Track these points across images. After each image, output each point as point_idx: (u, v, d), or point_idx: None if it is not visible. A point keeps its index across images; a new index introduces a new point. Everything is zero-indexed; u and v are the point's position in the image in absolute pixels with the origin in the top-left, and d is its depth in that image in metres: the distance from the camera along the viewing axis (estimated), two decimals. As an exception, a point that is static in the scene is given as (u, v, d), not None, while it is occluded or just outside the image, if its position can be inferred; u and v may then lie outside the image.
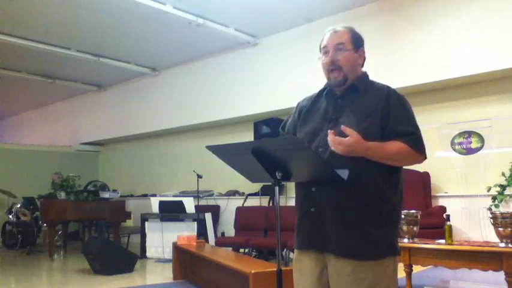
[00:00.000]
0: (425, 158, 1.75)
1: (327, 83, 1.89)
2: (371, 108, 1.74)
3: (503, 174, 5.55)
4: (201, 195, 7.83)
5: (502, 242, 3.45)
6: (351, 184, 1.67)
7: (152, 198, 7.63)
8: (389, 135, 1.70)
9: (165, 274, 5.81)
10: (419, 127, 1.75)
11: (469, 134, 5.49)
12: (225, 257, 4.50)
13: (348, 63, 1.81)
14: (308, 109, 1.92)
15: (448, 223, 3.74)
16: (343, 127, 1.64)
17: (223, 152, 1.75)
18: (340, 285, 1.70)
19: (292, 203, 2.85)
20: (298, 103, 2.01)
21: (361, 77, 1.87)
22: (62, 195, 7.71)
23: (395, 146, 1.68)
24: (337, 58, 1.80)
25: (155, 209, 7.31)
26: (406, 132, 1.70)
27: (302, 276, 1.79)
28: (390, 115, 1.72)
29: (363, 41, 1.88)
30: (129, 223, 8.65)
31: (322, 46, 1.86)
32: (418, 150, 1.71)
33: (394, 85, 1.88)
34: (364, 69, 1.91)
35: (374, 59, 6.00)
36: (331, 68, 1.81)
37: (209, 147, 1.71)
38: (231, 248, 6.45)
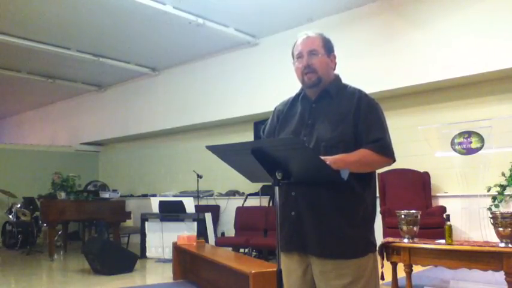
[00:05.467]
0: (394, 160, 1.82)
1: (301, 87, 1.98)
2: (344, 113, 1.82)
3: (503, 174, 5.55)
4: (201, 195, 7.83)
5: (502, 242, 3.46)
6: (327, 186, 1.73)
7: (152, 198, 7.64)
8: (359, 140, 1.78)
9: (165, 274, 5.81)
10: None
11: (469, 134, 5.49)
12: (225, 257, 4.50)
13: (321, 66, 1.89)
14: (285, 114, 2.01)
15: (448, 223, 3.74)
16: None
17: (223, 152, 1.75)
18: (324, 282, 1.78)
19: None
20: (276, 107, 2.09)
21: (334, 81, 1.95)
22: (62, 195, 7.71)
23: (360, 154, 1.75)
24: (311, 62, 1.89)
25: (155, 209, 7.31)
26: (373, 138, 1.77)
27: (287, 276, 1.85)
28: (360, 120, 1.79)
29: (333, 46, 1.96)
30: (129, 223, 8.66)
31: (296, 52, 1.95)
32: (384, 155, 1.78)
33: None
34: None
35: (374, 59, 6.07)
36: (306, 71, 1.89)
37: (209, 147, 1.71)
38: (231, 248, 6.44)
